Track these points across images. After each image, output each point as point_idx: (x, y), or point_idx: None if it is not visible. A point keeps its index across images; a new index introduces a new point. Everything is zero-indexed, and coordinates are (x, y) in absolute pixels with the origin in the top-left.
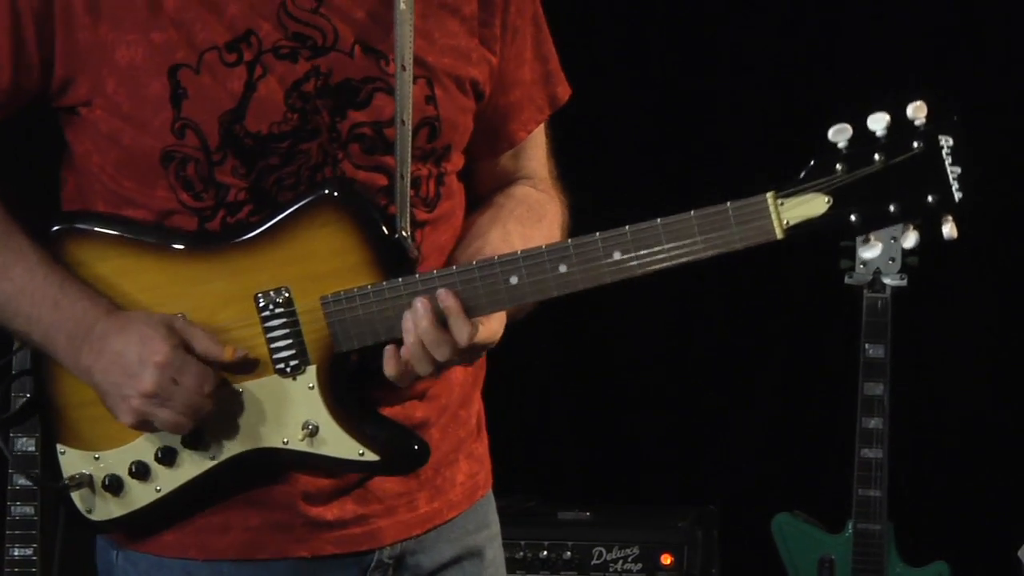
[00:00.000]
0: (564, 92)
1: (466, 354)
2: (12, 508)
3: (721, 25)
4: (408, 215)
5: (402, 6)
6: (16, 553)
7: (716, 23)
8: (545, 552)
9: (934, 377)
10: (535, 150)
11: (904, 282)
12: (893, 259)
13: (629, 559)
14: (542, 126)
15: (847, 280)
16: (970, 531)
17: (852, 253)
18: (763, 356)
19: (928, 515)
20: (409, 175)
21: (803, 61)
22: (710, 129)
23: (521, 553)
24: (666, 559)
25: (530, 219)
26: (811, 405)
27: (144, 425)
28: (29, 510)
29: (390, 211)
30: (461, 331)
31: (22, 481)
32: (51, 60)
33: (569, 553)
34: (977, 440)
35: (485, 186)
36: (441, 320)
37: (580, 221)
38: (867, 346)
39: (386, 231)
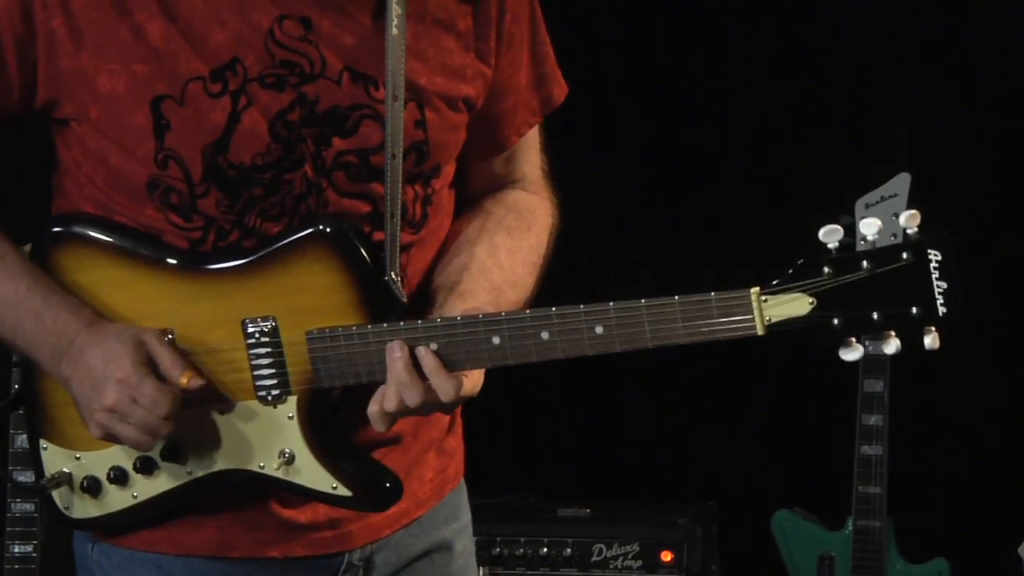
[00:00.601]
0: (560, 92)
1: (447, 405)
2: (12, 505)
3: (720, 26)
4: (397, 253)
5: (394, 31)
6: (16, 550)
7: (714, 24)
8: (545, 549)
9: (934, 374)
10: (527, 152)
11: None
12: None
13: (629, 556)
14: (536, 128)
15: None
16: (970, 528)
17: (852, 250)
18: (763, 352)
19: (928, 512)
20: (399, 210)
21: (801, 63)
22: (705, 126)
23: (521, 550)
24: (666, 556)
25: (519, 228)
26: (811, 402)
27: (110, 438)
28: (29, 507)
29: (375, 237)
30: (444, 387)
31: (22, 478)
32: (33, 84)
33: (569, 550)
34: (977, 437)
35: (476, 188)
36: (421, 373)
37: (571, 219)
38: (867, 342)
39: (374, 273)
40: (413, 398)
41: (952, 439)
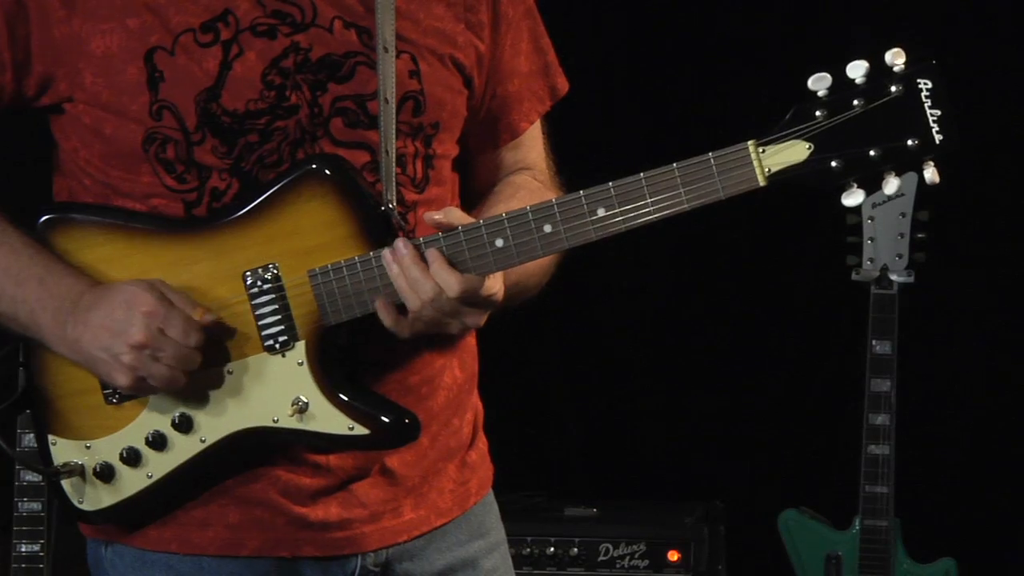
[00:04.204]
0: (563, 85)
1: (466, 306)
2: (20, 504)
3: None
4: (394, 189)
5: None
6: (23, 549)
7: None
8: (552, 548)
9: (941, 373)
10: (533, 142)
11: (911, 278)
12: (900, 255)
13: (636, 555)
14: (539, 121)
15: (854, 276)
16: (978, 528)
17: (859, 250)
18: (770, 352)
19: (935, 512)
20: (394, 151)
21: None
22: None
23: (528, 549)
24: (673, 555)
25: (531, 201)
26: (818, 401)
27: (140, 384)
28: (36, 506)
29: (376, 187)
30: (448, 282)
31: (29, 477)
32: (26, 60)
33: (576, 549)
34: (984, 436)
35: (485, 181)
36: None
37: None
38: (874, 342)
39: (372, 203)
40: (425, 291)
41: (959, 439)
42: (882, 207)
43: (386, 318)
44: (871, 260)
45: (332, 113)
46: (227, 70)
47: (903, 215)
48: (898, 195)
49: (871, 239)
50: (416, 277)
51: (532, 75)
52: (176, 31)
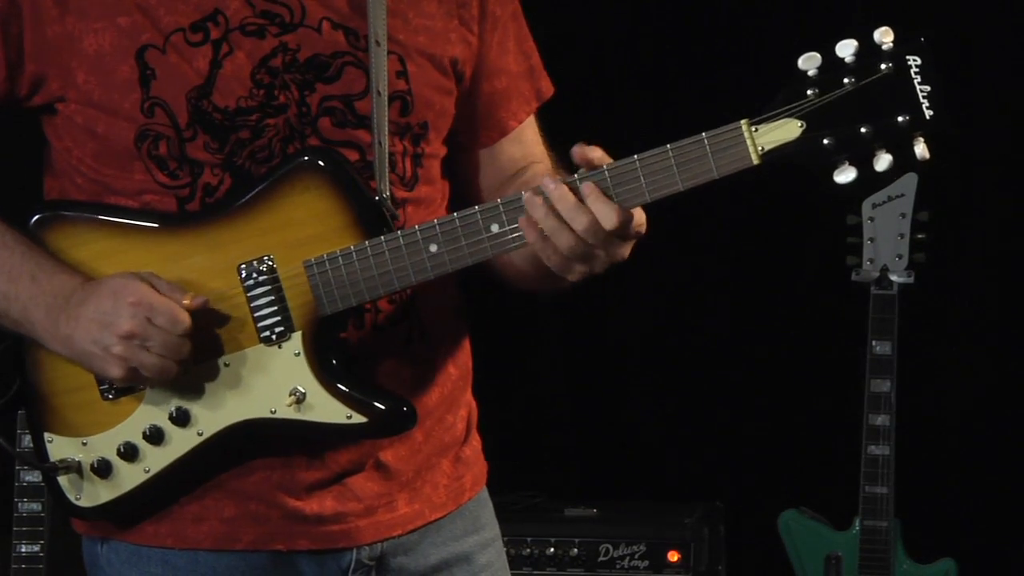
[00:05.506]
0: (548, 87)
1: (615, 241)
2: (19, 504)
3: None
4: (387, 182)
5: None
6: (23, 550)
7: None
8: (552, 549)
9: (941, 373)
10: (536, 136)
11: (911, 279)
12: (900, 256)
13: (636, 556)
14: (534, 120)
15: (854, 277)
16: (978, 528)
17: (859, 250)
18: (770, 352)
19: (935, 512)
20: (387, 143)
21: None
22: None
23: (528, 550)
24: (673, 556)
25: None
26: (818, 402)
27: (133, 375)
28: (36, 507)
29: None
30: (605, 213)
31: (29, 477)
32: (19, 60)
33: (576, 550)
34: (984, 437)
35: (491, 176)
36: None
37: None
38: (874, 343)
39: (366, 193)
40: (580, 222)
41: (959, 439)
42: (882, 207)
43: (530, 234)
44: (871, 260)
45: (320, 113)
46: (217, 68)
47: (903, 215)
48: (898, 195)
49: (871, 239)
50: (570, 208)
51: (519, 76)
52: (167, 31)
